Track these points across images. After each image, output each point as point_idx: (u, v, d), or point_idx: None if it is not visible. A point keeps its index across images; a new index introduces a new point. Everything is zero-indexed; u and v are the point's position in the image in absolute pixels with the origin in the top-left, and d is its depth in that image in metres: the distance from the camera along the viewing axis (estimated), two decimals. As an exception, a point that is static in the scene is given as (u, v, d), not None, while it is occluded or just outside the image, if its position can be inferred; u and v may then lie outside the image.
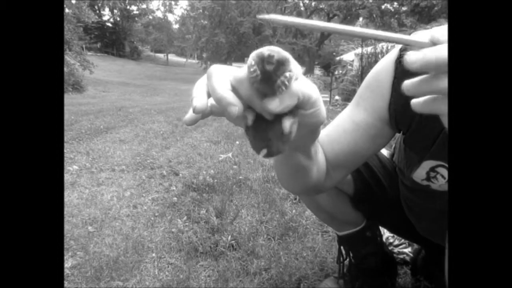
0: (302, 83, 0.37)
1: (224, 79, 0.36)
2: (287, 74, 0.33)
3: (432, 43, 0.33)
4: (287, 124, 0.36)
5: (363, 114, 0.70)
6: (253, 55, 0.33)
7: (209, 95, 0.37)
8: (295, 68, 0.34)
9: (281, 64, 0.33)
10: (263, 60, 0.32)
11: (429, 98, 0.36)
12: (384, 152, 1.04)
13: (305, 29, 0.34)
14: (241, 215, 1.80)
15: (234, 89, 0.36)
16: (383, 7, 18.97)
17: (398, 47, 0.67)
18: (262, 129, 0.37)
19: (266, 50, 0.33)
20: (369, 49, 7.88)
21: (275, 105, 0.35)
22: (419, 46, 0.33)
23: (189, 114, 0.38)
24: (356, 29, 0.35)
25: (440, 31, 0.33)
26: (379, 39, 0.35)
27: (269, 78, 0.33)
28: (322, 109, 0.42)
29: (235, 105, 0.34)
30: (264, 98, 0.35)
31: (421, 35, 0.42)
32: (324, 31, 0.35)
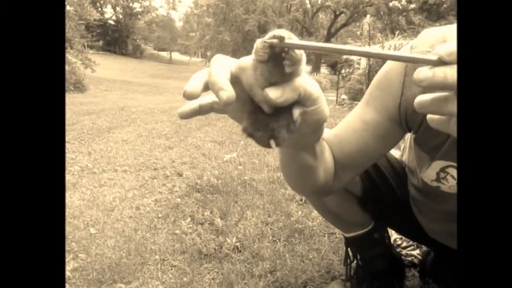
0: (304, 80, 0.37)
1: (223, 67, 0.35)
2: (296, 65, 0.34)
3: (440, 61, 0.32)
4: (297, 112, 0.38)
5: (373, 113, 0.69)
6: (271, 33, 0.34)
7: (207, 86, 0.36)
8: (302, 64, 0.36)
9: (293, 51, 0.33)
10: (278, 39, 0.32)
11: (439, 117, 0.37)
12: (393, 152, 1.02)
13: (310, 50, 0.35)
14: (246, 216, 1.78)
15: (236, 78, 0.36)
16: (391, 4, 18.82)
17: (407, 45, 0.66)
18: (259, 121, 0.38)
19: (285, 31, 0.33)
20: (377, 47, 7.87)
21: (276, 94, 0.35)
22: (428, 63, 0.33)
23: (184, 106, 0.38)
24: (362, 49, 0.36)
25: (449, 48, 0.32)
26: (388, 59, 0.35)
27: (276, 61, 0.33)
28: (324, 107, 0.42)
29: (225, 90, 0.33)
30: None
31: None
32: (333, 52, 0.35)
